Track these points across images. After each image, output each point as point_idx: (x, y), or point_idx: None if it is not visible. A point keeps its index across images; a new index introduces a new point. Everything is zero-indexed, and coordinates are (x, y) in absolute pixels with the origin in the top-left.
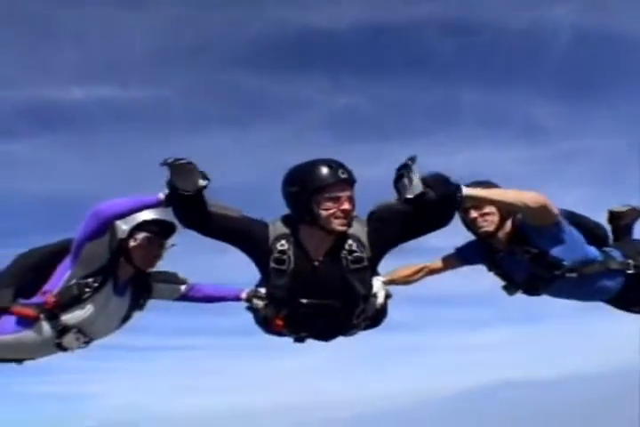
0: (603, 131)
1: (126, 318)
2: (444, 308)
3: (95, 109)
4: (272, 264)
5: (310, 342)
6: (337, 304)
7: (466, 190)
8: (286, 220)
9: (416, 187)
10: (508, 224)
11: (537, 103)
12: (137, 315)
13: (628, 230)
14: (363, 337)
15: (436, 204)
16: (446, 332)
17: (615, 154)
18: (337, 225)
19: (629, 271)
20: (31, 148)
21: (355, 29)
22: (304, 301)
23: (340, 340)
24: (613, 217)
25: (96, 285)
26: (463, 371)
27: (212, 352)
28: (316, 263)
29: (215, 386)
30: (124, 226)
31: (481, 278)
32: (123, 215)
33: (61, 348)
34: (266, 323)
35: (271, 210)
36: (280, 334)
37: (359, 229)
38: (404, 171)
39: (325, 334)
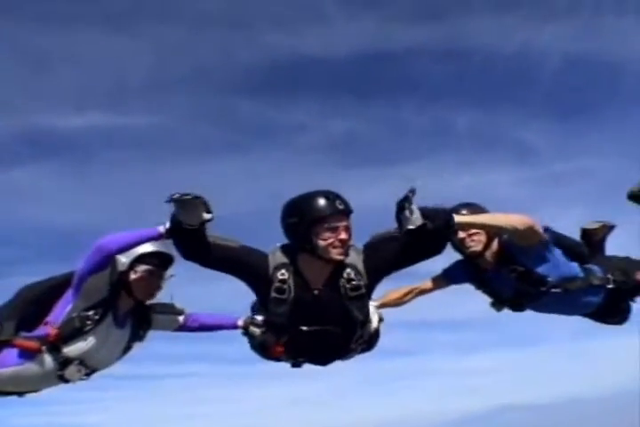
0: (597, 151)
1: (127, 349)
2: (439, 332)
3: (94, 136)
4: (273, 293)
5: (306, 369)
6: (336, 330)
7: (457, 218)
8: (285, 249)
9: (417, 219)
10: (495, 244)
11: (529, 125)
12: (137, 346)
13: (601, 246)
14: (357, 364)
15: (432, 234)
16: (442, 356)
17: (611, 174)
18: (335, 254)
19: (609, 286)
20: (29, 175)
21: (349, 55)
22: (304, 328)
23: (335, 368)
24: (586, 234)
25: (97, 317)
26: (461, 395)
27: (212, 380)
28: (316, 292)
29: (216, 413)
30: (123, 259)
31: (476, 302)
32: (124, 249)
33: (63, 380)
34: (263, 349)
35: (272, 237)
36: (278, 359)
37: (356, 258)
38: (405, 203)
39: (323, 359)
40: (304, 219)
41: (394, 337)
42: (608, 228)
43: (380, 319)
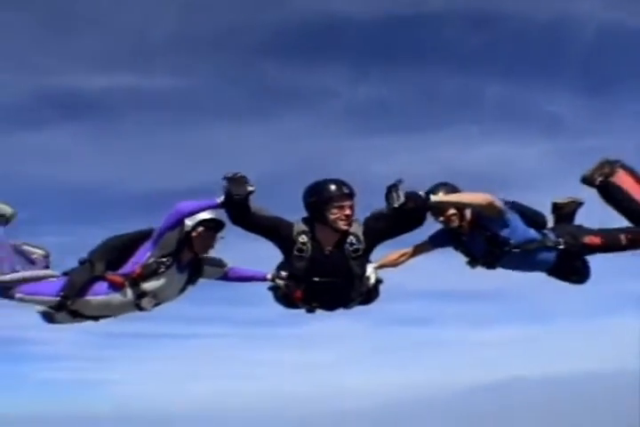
0: (627, 127)
1: (183, 290)
2: (456, 303)
3: (118, 98)
4: (295, 252)
5: (321, 335)
6: (340, 281)
7: (433, 198)
8: (305, 220)
9: (401, 199)
10: (469, 214)
11: (559, 97)
12: (190, 289)
13: (571, 219)
14: (372, 331)
15: (412, 211)
16: (457, 327)
17: (637, 150)
18: (341, 225)
19: (560, 247)
20: (54, 136)
21: (380, 19)
22: (317, 279)
23: (350, 334)
24: (556, 208)
25: (168, 263)
26: (472, 367)
27: (231, 341)
28: (327, 252)
29: (232, 374)
30: (188, 222)
31: (494, 275)
32: (193, 213)
33: (139, 308)
34: (285, 297)
35: (294, 198)
36: (296, 306)
37: (357, 228)
38: (392, 188)
39: (331, 305)
40: (319, 199)
41: (411, 307)
42: (577, 204)
43: (379, 280)
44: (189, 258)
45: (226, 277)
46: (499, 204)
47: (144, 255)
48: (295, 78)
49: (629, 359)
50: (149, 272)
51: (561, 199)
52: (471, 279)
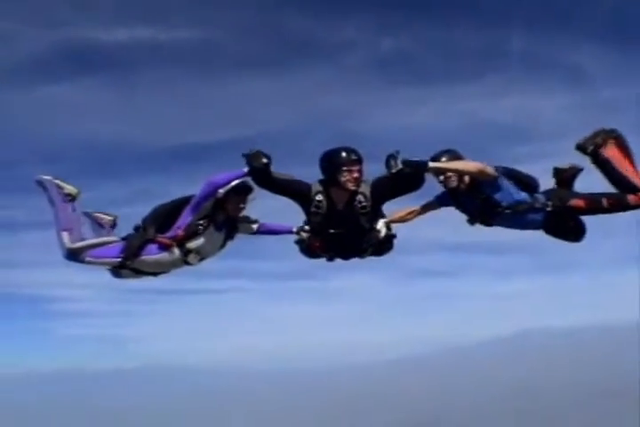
0: None
1: (223, 246)
2: (479, 255)
3: (137, 51)
4: (313, 209)
5: (342, 288)
6: (352, 233)
7: (431, 164)
8: (321, 182)
9: (398, 166)
10: (467, 179)
11: (585, 49)
12: (229, 244)
13: (570, 184)
14: (395, 283)
15: (411, 175)
16: (478, 279)
17: None
18: (350, 186)
19: (548, 209)
20: (72, 89)
21: None
22: (332, 231)
23: (375, 286)
24: (557, 172)
25: (205, 225)
26: (491, 319)
27: (251, 296)
28: (340, 208)
29: (252, 329)
30: (221, 190)
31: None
32: (224, 185)
33: (187, 263)
34: (308, 250)
35: (312, 150)
36: (317, 255)
37: (365, 189)
38: (390, 157)
39: (345, 254)
40: (332, 164)
41: (430, 259)
42: (577, 169)
43: (392, 234)
44: (224, 218)
45: (257, 231)
46: (490, 170)
47: (185, 220)
48: (315, 31)
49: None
50: (191, 234)
51: (562, 165)
52: (489, 233)
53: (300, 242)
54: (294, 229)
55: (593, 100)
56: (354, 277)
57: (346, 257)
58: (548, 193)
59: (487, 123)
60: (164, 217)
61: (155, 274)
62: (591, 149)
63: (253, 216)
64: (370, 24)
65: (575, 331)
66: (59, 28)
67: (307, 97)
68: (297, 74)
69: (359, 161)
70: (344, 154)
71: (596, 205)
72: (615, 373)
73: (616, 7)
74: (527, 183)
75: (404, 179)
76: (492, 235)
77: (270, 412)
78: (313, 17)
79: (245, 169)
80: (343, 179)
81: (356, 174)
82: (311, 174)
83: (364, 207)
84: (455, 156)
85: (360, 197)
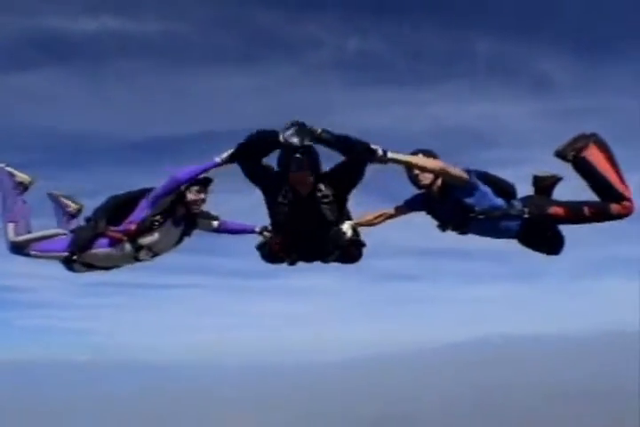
0: (617, 88)
1: (179, 241)
2: (448, 260)
3: (107, 42)
4: (279, 198)
5: (308, 287)
6: (316, 228)
7: (390, 154)
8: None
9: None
10: (439, 181)
11: (550, 57)
12: (186, 240)
13: (548, 192)
14: (361, 285)
15: (360, 159)
16: (447, 284)
17: (629, 113)
18: (299, 188)
19: (525, 216)
20: (39, 79)
21: None
22: (295, 227)
23: (343, 287)
24: (536, 180)
25: (162, 220)
26: (458, 323)
27: (214, 292)
28: (303, 199)
29: (215, 325)
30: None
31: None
32: (192, 179)
33: (138, 260)
34: (270, 255)
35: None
36: (279, 260)
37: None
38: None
39: (308, 256)
40: (280, 163)
41: (399, 263)
42: (557, 178)
43: (360, 242)
44: (183, 213)
45: (217, 229)
46: (455, 171)
47: (140, 214)
48: (284, 27)
49: (611, 321)
50: (144, 229)
51: (541, 173)
52: (458, 238)
53: (261, 247)
54: (257, 229)
55: (558, 108)
56: (318, 278)
57: (309, 259)
58: (524, 200)
59: (452, 127)
60: (117, 209)
61: (106, 268)
62: (572, 155)
63: (214, 213)
64: (336, 24)
65: (536, 337)
66: (27, 16)
67: (272, 94)
68: (264, 69)
69: (304, 168)
70: (289, 160)
71: (576, 213)
72: (573, 377)
73: (584, 16)
74: (503, 189)
75: (354, 163)
76: (461, 241)
77: (231, 408)
78: (281, 14)
79: (219, 158)
80: (291, 183)
81: (300, 185)
82: None
83: (325, 196)
84: (430, 155)
85: (320, 186)
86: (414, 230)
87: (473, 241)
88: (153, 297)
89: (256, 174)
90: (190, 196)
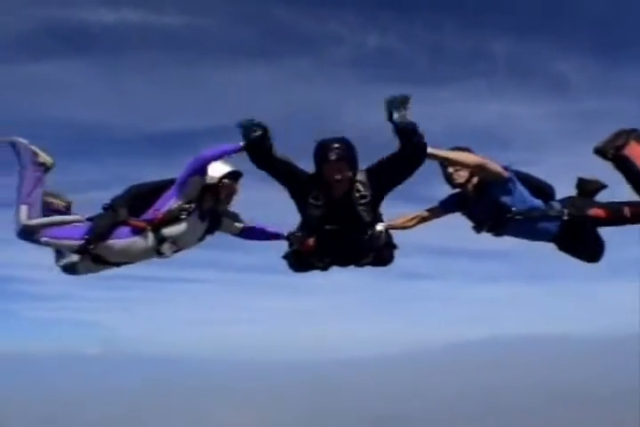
0: (632, 91)
1: (202, 238)
2: (459, 260)
3: (126, 34)
4: (311, 200)
5: (316, 283)
6: (350, 230)
7: (430, 150)
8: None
9: (405, 119)
10: (475, 179)
11: (570, 59)
12: (208, 238)
13: (592, 197)
14: (372, 282)
15: (407, 152)
16: (457, 283)
17: None
18: (335, 186)
19: (564, 218)
20: (56, 69)
21: None
22: (328, 227)
23: (352, 285)
24: (580, 183)
25: (190, 210)
26: (465, 322)
27: (222, 287)
28: (337, 199)
29: (223, 320)
30: (213, 174)
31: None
32: (215, 159)
33: (159, 253)
34: (299, 262)
35: (297, 142)
36: (309, 267)
37: (362, 177)
38: (403, 101)
39: (342, 259)
40: (317, 158)
41: (414, 260)
42: (601, 185)
43: (393, 244)
44: (210, 206)
45: (241, 233)
46: (494, 168)
47: (167, 202)
48: (304, 23)
49: (621, 324)
50: (171, 218)
51: (587, 176)
52: (475, 237)
53: (288, 256)
54: (285, 234)
55: (574, 110)
56: (328, 276)
57: (343, 263)
58: (564, 201)
59: (468, 127)
60: (139, 197)
61: (118, 264)
62: (612, 152)
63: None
64: (357, 20)
65: (543, 339)
66: (46, 7)
67: (289, 89)
68: (283, 64)
69: (342, 159)
70: (327, 150)
71: (617, 214)
72: (578, 379)
73: (603, 19)
74: (541, 189)
75: (401, 157)
76: (473, 240)
77: (235, 402)
78: (301, 9)
79: (240, 143)
80: (328, 177)
81: (337, 176)
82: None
83: (363, 197)
84: (467, 152)
85: (358, 186)
86: (425, 229)
87: (485, 241)
88: (163, 291)
89: (280, 170)
90: (221, 187)
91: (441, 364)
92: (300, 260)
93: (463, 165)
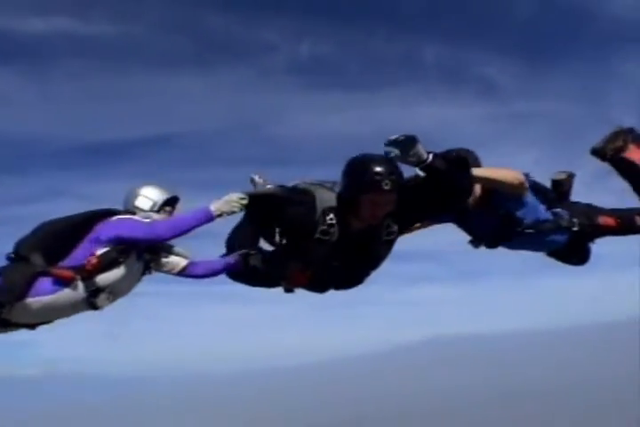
0: (559, 94)
1: (138, 281)
2: (387, 262)
3: (57, 43)
4: (317, 235)
5: (249, 293)
6: (360, 264)
7: (474, 171)
8: (338, 198)
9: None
10: (478, 188)
11: (496, 62)
12: (145, 278)
13: (567, 194)
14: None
15: (451, 180)
16: (386, 286)
17: (569, 117)
18: (371, 221)
19: (574, 229)
20: None
21: None
22: (335, 263)
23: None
24: (556, 185)
25: (128, 250)
26: (401, 325)
27: (167, 299)
28: (355, 234)
29: (164, 332)
30: (148, 204)
31: (427, 234)
32: (177, 237)
33: (93, 306)
34: (279, 274)
35: (230, 153)
36: (277, 285)
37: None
38: (412, 143)
39: (342, 285)
40: (356, 185)
41: None
42: (572, 176)
43: None
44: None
45: (184, 271)
46: (526, 183)
47: (97, 244)
48: (237, 31)
49: (552, 318)
50: (109, 262)
51: (558, 175)
52: (401, 237)
53: (251, 268)
54: (235, 257)
55: (503, 113)
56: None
57: (323, 290)
58: (569, 209)
59: (402, 131)
60: (54, 241)
61: (33, 326)
62: (611, 153)
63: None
64: (290, 28)
65: (484, 337)
66: None
67: (225, 97)
68: (216, 73)
69: (393, 191)
70: (376, 177)
71: (629, 223)
72: (523, 376)
73: (529, 23)
74: (547, 197)
75: (441, 187)
76: (401, 241)
77: (180, 417)
78: (234, 17)
79: (212, 206)
80: (364, 210)
81: (379, 212)
82: (225, 177)
83: (390, 233)
84: (474, 159)
85: (388, 220)
86: None
87: (409, 242)
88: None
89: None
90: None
91: (387, 367)
92: (291, 280)
93: (505, 187)
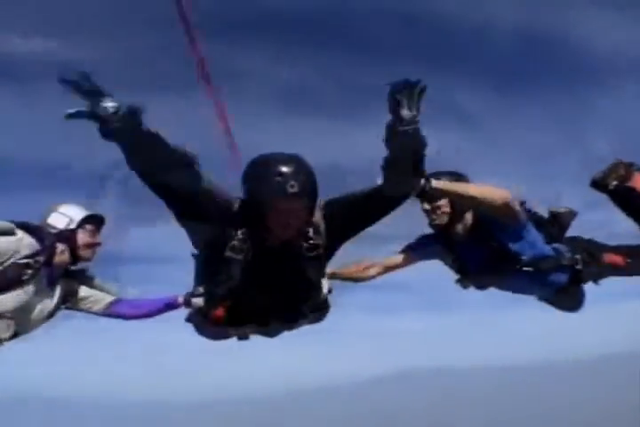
0: (530, 122)
1: (52, 314)
2: (358, 292)
3: (41, 65)
4: (227, 253)
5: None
6: (287, 292)
7: (435, 183)
8: (243, 211)
9: (413, 114)
10: (469, 217)
11: (468, 91)
12: (61, 313)
13: (564, 229)
14: None
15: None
16: (358, 317)
17: (541, 145)
18: (281, 235)
19: (578, 267)
20: None
21: (307, 10)
22: (253, 289)
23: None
24: (554, 218)
25: (37, 266)
26: (377, 356)
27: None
28: (272, 252)
29: (117, 357)
30: (64, 221)
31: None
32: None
33: None
34: (202, 318)
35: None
36: (221, 335)
37: (317, 217)
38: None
39: (271, 326)
40: (257, 193)
41: None
42: (573, 214)
43: (329, 290)
44: (65, 265)
45: (109, 308)
46: (516, 207)
47: None
48: (216, 57)
49: (529, 353)
50: (7, 281)
51: (557, 208)
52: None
53: (193, 318)
54: (180, 300)
55: (473, 140)
56: None
57: (271, 332)
58: (569, 244)
59: (379, 158)
60: None
61: None
62: (614, 184)
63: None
64: (267, 55)
65: (456, 370)
66: None
67: (204, 123)
68: (196, 100)
69: (304, 194)
70: (278, 178)
71: (637, 261)
72: (495, 411)
73: (501, 54)
74: (550, 230)
75: (377, 194)
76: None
77: None
78: (211, 43)
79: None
80: (271, 221)
81: (291, 221)
82: None
83: (314, 247)
84: (460, 179)
85: (309, 232)
86: None
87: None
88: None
89: (185, 203)
90: (82, 236)
91: (357, 399)
92: (211, 321)
93: (483, 204)
